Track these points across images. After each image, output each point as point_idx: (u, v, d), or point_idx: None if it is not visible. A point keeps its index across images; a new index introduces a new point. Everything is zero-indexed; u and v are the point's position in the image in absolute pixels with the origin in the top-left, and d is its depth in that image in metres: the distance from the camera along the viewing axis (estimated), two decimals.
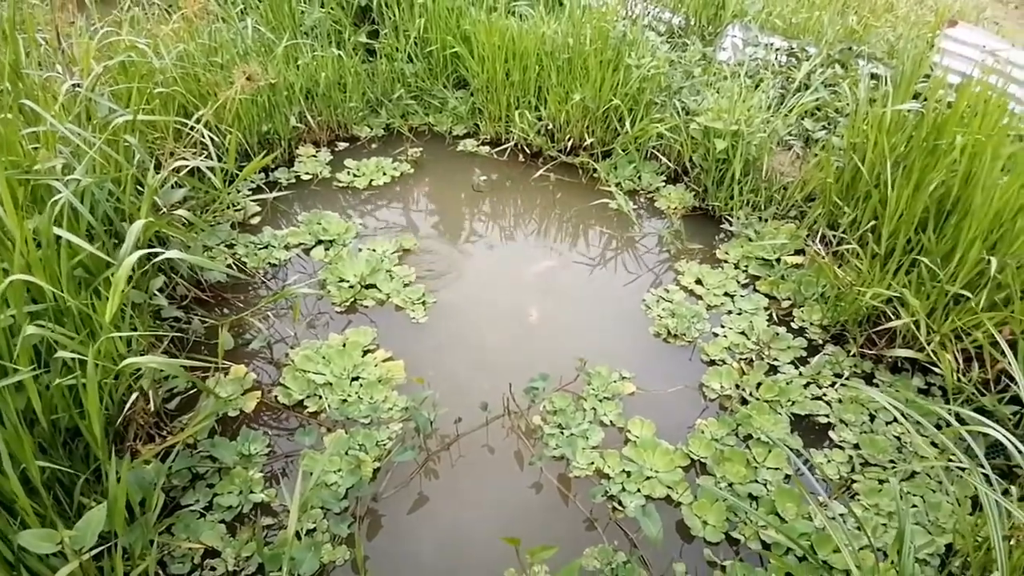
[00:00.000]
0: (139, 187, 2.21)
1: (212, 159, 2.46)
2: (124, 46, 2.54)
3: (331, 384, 2.10)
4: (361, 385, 2.11)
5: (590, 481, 1.90)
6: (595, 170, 3.35)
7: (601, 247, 2.94)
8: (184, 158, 2.53)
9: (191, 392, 2.00)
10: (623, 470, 1.90)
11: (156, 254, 1.67)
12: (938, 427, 2.03)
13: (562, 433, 2.01)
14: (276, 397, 2.06)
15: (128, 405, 1.60)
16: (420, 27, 3.69)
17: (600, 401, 2.12)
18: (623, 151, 3.36)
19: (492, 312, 2.53)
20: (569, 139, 3.48)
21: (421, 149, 3.57)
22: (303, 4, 3.63)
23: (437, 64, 3.82)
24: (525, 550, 1.50)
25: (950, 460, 1.91)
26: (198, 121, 2.49)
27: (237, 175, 2.64)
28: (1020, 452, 1.51)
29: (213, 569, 1.57)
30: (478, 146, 3.63)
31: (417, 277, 2.67)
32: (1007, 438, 1.51)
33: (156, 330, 1.99)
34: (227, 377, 2.09)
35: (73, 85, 2.08)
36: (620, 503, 1.82)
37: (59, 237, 1.49)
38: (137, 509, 1.50)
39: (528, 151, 3.57)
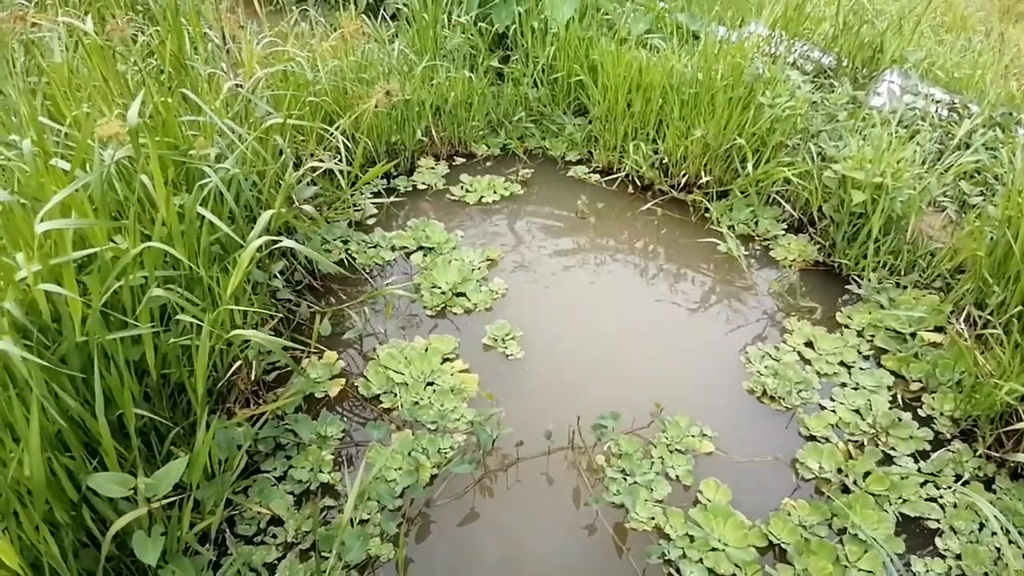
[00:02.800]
0: (280, 182, 2.50)
1: (343, 163, 2.72)
2: (286, 57, 2.90)
3: (407, 384, 2.18)
4: (435, 391, 2.17)
5: (647, 537, 1.77)
6: (707, 209, 3.18)
7: (704, 290, 2.78)
8: (321, 160, 2.83)
9: (289, 368, 2.19)
10: (687, 533, 1.75)
11: (277, 240, 1.87)
12: None
13: (625, 479, 1.90)
14: (357, 388, 2.19)
15: (232, 371, 1.79)
16: (549, 54, 3.81)
17: (671, 452, 1.98)
18: (741, 193, 3.16)
19: (575, 340, 2.49)
20: (684, 175, 3.35)
21: (532, 171, 3.65)
22: (446, 30, 3.91)
23: (560, 91, 3.90)
24: None
25: None
26: (339, 129, 2.78)
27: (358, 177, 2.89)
28: None
29: (275, 536, 1.69)
30: (589, 173, 3.62)
31: (503, 295, 2.71)
32: None
33: (271, 308, 2.22)
34: (320, 361, 2.26)
35: (236, 85, 2.41)
36: (678, 570, 1.67)
37: (202, 216, 1.73)
38: (218, 468, 1.67)
39: (639, 183, 3.50)
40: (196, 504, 1.56)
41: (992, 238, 2.33)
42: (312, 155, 2.85)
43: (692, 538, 1.73)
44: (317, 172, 2.75)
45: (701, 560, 1.69)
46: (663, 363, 2.39)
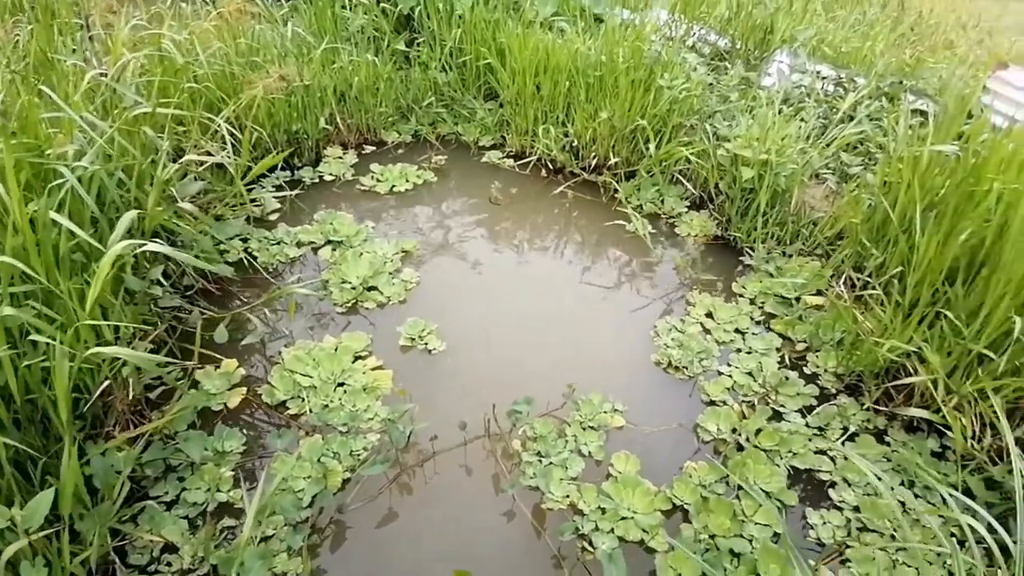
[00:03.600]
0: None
1: (232, 156, 2.52)
2: (158, 40, 2.64)
3: (316, 387, 2.10)
4: (346, 391, 2.10)
5: (563, 515, 1.81)
6: (616, 190, 3.26)
7: (614, 270, 2.86)
8: (209, 152, 2.61)
9: (181, 382, 2.03)
10: (599, 507, 1.81)
11: (141, 245, 1.70)
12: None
13: (540, 461, 1.93)
14: (261, 396, 2.07)
15: (102, 391, 1.63)
16: (456, 37, 3.72)
17: (584, 430, 2.03)
18: (647, 173, 3.27)
19: (491, 328, 2.48)
20: (594, 157, 3.42)
21: (446, 157, 3.58)
22: (347, 11, 3.72)
23: (470, 74, 3.84)
24: None
25: (953, 535, 1.73)
26: (224, 118, 2.57)
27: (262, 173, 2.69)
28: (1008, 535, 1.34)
29: (169, 565, 1.57)
30: (502, 158, 3.61)
31: (417, 285, 2.66)
32: (988, 522, 1.35)
33: (152, 319, 2.04)
34: (217, 371, 2.12)
35: (99, 74, 2.17)
36: (591, 543, 1.73)
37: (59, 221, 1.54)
38: (97, 497, 1.52)
39: (551, 167, 3.52)
40: (78, 535, 1.43)
41: (870, 204, 2.55)
42: (196, 147, 2.63)
43: (604, 510, 1.79)
44: (204, 166, 2.54)
45: (612, 530, 1.75)
46: (578, 344, 2.45)
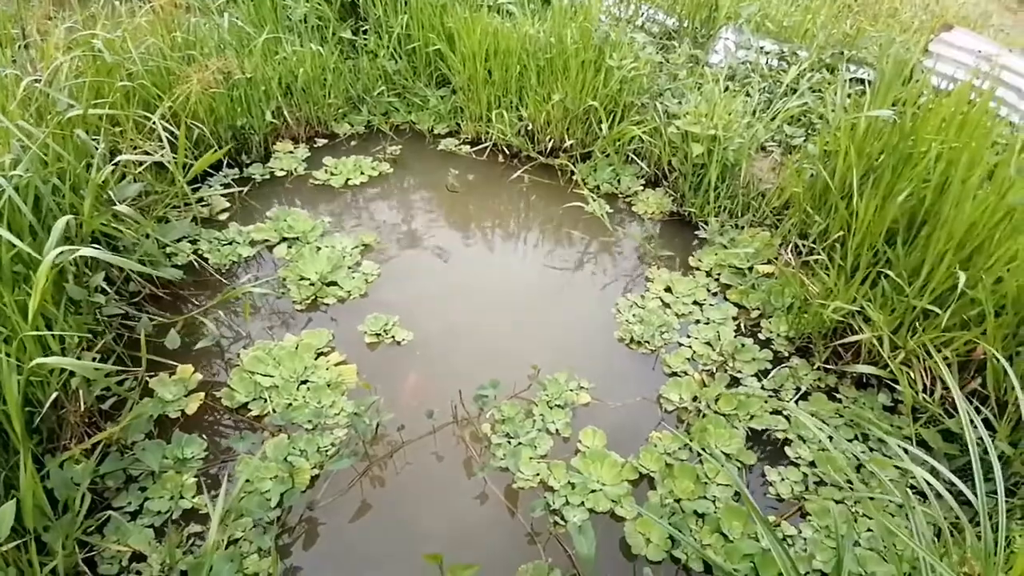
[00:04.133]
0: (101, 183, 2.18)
1: (174, 154, 2.43)
2: (89, 41, 2.51)
3: (278, 387, 2.06)
4: (309, 389, 2.07)
5: (535, 493, 1.85)
6: (573, 172, 3.29)
7: (574, 251, 2.89)
8: (147, 152, 2.50)
9: (133, 391, 1.96)
10: (568, 482, 1.85)
11: (75, 251, 1.63)
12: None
13: (509, 442, 1.96)
14: (220, 399, 2.02)
15: (55, 404, 1.57)
16: (404, 23, 3.65)
17: (551, 408, 2.07)
18: (602, 154, 3.30)
19: (455, 316, 2.48)
20: (549, 140, 3.43)
21: (401, 147, 3.53)
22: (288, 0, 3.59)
23: (420, 62, 3.78)
24: (447, 567, 1.45)
25: (911, 486, 1.84)
26: (162, 116, 2.47)
27: (207, 172, 2.60)
28: (967, 488, 1.44)
29: (139, 573, 1.54)
30: (458, 145, 3.58)
31: (377, 277, 2.63)
32: (945, 474, 1.44)
33: (98, 328, 1.96)
34: (172, 377, 2.05)
35: (33, 80, 2.05)
36: (562, 517, 1.77)
37: None
38: (71, 507, 1.47)
39: (508, 152, 3.52)
40: (45, 547, 1.38)
41: (812, 174, 2.65)
42: (134, 148, 2.51)
43: (573, 485, 1.84)
44: (143, 167, 2.44)
45: (583, 503, 1.80)
46: (542, 326, 2.47)
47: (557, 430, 2.01)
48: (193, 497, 1.72)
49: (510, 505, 1.83)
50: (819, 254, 2.43)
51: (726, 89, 3.07)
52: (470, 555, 1.67)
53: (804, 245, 2.56)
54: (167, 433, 1.89)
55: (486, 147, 3.49)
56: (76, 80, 2.39)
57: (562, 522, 1.76)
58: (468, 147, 3.56)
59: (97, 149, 2.20)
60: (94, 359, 1.84)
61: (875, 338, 2.09)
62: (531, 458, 1.91)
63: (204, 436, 1.90)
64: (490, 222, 3.06)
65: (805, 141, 2.97)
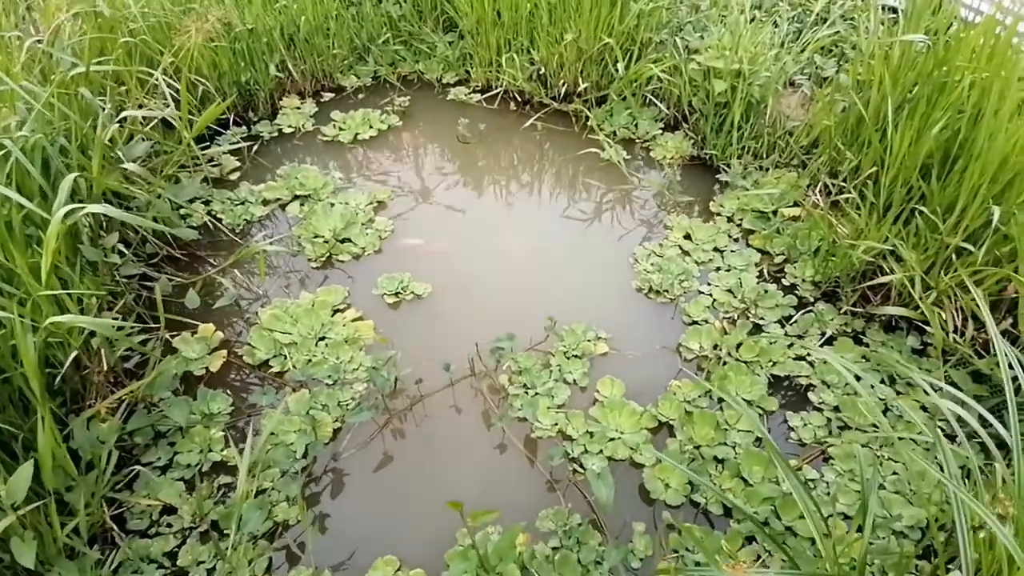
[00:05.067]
0: (109, 143, 2.15)
1: (179, 111, 2.38)
2: None
3: (297, 344, 2.08)
4: (327, 345, 2.08)
5: (553, 442, 1.86)
6: (588, 118, 3.15)
7: (591, 200, 2.80)
8: (151, 110, 2.46)
9: (155, 350, 2.00)
10: (587, 431, 1.85)
11: (80, 209, 1.62)
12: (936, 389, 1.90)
13: (527, 393, 1.96)
14: (242, 357, 2.05)
15: (75, 364, 1.60)
16: None
17: (568, 359, 2.05)
18: (619, 97, 3.14)
19: (471, 269, 2.46)
20: (563, 84, 3.27)
21: (409, 98, 3.42)
22: None
23: (426, 5, 3.60)
24: (468, 513, 1.48)
25: (939, 428, 1.79)
26: (164, 71, 2.41)
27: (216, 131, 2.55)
28: (1000, 426, 1.39)
29: (170, 525, 1.61)
30: (468, 94, 3.45)
31: (392, 233, 2.60)
32: (979, 412, 1.39)
33: (117, 289, 1.98)
34: (194, 336, 2.09)
35: (36, 41, 2.01)
36: (581, 465, 1.78)
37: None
38: (97, 465, 1.53)
39: (519, 99, 3.38)
40: (68, 507, 1.44)
41: (844, 107, 2.48)
42: (141, 107, 2.47)
43: (592, 434, 1.84)
44: (150, 124, 2.40)
45: (601, 451, 1.81)
46: (559, 277, 2.43)
47: (575, 380, 2.01)
48: (222, 450, 1.78)
49: (529, 454, 1.85)
50: (849, 192, 2.31)
51: (752, 20, 2.86)
52: (491, 503, 1.71)
53: (834, 184, 2.44)
54: (192, 390, 1.94)
55: (497, 94, 3.36)
56: (79, 38, 2.34)
57: (581, 470, 1.77)
58: (478, 95, 3.43)
59: (104, 108, 2.18)
60: (115, 319, 1.87)
61: (906, 278, 2.00)
62: (549, 408, 1.91)
63: (228, 392, 1.95)
64: (503, 172, 2.98)
65: (837, 72, 2.78)
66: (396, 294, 2.31)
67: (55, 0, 2.42)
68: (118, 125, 2.03)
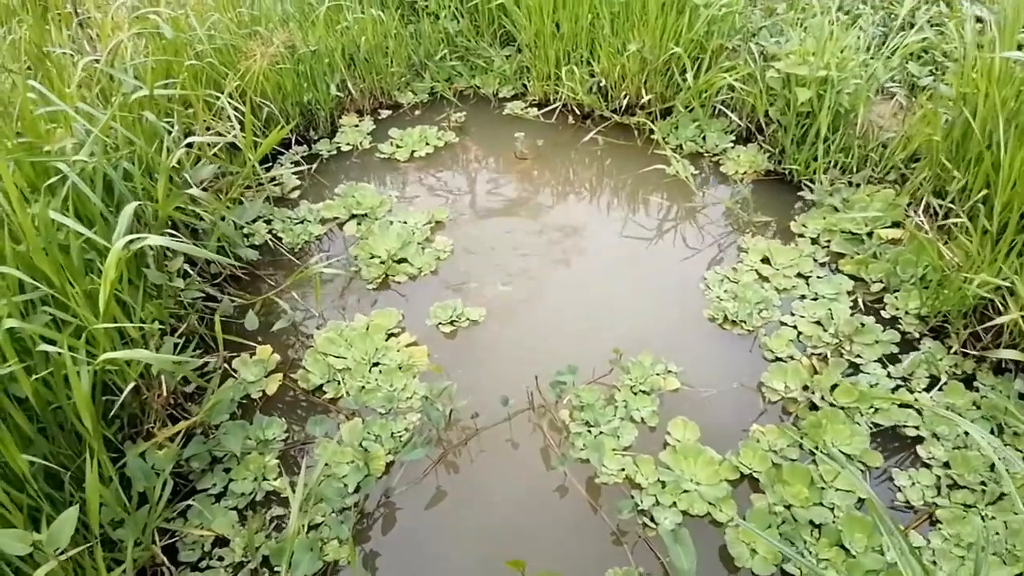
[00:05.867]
0: (176, 166, 2.18)
1: (244, 133, 2.41)
2: (150, 18, 2.50)
3: (351, 369, 2.02)
4: (381, 372, 2.01)
5: (620, 489, 1.70)
6: (652, 131, 2.98)
7: (657, 219, 2.63)
8: (219, 133, 2.50)
9: (218, 375, 1.99)
10: (658, 480, 1.68)
11: (163, 241, 1.61)
12: None
13: (590, 432, 1.81)
14: (297, 381, 2.01)
15: (136, 389, 1.59)
16: None
17: (635, 395, 1.89)
18: (685, 108, 2.96)
19: (529, 294, 2.34)
20: (624, 96, 3.13)
21: (465, 114, 3.36)
22: None
23: (483, 20, 3.56)
24: (531, 574, 1.35)
25: None
26: (230, 95, 2.44)
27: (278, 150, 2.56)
28: None
29: (221, 559, 1.56)
30: (525, 108, 3.36)
31: (450, 254, 2.53)
32: None
33: (180, 312, 1.99)
34: (252, 358, 2.07)
35: (93, 60, 2.06)
36: (652, 519, 1.61)
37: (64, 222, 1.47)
38: (150, 496, 1.51)
39: (578, 112, 3.26)
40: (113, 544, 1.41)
41: (947, 120, 2.21)
42: (209, 129, 2.52)
43: (664, 484, 1.67)
44: (216, 147, 2.44)
45: (675, 504, 1.63)
46: (622, 303, 2.27)
47: (642, 419, 1.84)
48: (275, 479, 1.73)
49: (592, 501, 1.69)
50: (959, 216, 2.03)
51: (835, 21, 2.62)
52: (550, 554, 1.56)
53: (940, 205, 2.16)
54: (249, 415, 1.91)
55: (555, 108, 3.25)
56: (142, 60, 2.39)
57: (652, 524, 1.60)
58: (535, 110, 3.33)
59: (171, 132, 2.22)
60: (176, 343, 1.87)
61: (1021, 318, 1.72)
62: (614, 450, 1.75)
63: (283, 418, 1.91)
64: (562, 190, 2.85)
65: (935, 81, 2.49)
66: (451, 322, 2.22)
67: (113, 18, 2.48)
68: (185, 149, 2.04)
